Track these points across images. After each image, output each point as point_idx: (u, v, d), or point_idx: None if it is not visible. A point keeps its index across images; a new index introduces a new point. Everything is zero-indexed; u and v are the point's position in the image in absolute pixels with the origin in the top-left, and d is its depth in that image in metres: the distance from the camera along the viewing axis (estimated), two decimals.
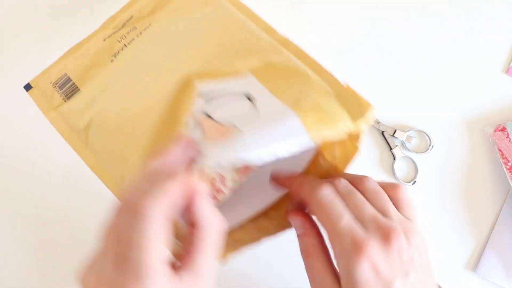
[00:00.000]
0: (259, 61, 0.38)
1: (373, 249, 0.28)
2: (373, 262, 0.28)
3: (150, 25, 0.47)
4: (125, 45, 0.46)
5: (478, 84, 0.52)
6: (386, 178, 0.50)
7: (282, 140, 0.31)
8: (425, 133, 0.51)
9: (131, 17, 0.48)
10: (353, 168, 0.51)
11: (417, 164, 0.50)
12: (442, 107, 0.52)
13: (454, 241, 0.50)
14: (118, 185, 0.39)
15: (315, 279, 0.31)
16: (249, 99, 0.34)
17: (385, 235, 0.29)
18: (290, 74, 0.37)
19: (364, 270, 0.28)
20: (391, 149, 0.50)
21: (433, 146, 0.51)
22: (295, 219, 0.34)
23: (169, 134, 0.36)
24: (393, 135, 0.50)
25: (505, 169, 0.48)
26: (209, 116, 0.34)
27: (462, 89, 0.52)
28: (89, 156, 0.42)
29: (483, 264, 0.48)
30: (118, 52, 0.46)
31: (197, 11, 0.46)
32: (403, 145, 0.51)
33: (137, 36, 0.46)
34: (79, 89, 0.45)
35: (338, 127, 0.32)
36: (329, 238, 0.30)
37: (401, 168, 0.51)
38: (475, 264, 0.49)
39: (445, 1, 0.53)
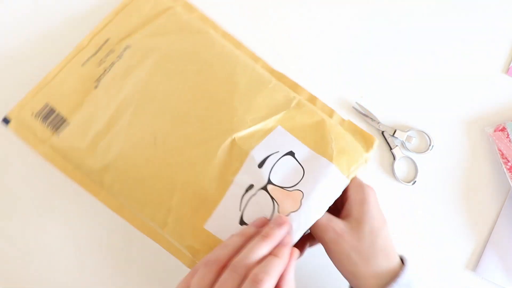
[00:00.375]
0: (283, 112, 0.42)
1: (375, 192, 0.39)
2: (376, 199, 0.39)
3: (129, 46, 0.45)
4: (105, 70, 0.44)
5: (478, 84, 0.52)
6: (386, 178, 0.50)
7: (333, 192, 0.38)
8: (425, 133, 0.51)
9: (107, 39, 0.46)
10: None
11: (417, 164, 0.50)
12: (442, 107, 0.52)
13: (454, 241, 0.50)
14: (155, 231, 0.41)
15: (325, 217, 0.38)
16: (290, 154, 0.39)
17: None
18: (306, 117, 0.42)
19: (373, 199, 0.38)
20: (391, 149, 0.50)
21: (433, 146, 0.50)
22: None
23: (218, 192, 0.38)
24: (393, 135, 0.50)
25: (505, 169, 0.48)
26: (270, 181, 0.38)
27: (462, 89, 0.52)
28: (107, 197, 0.42)
29: (483, 264, 0.48)
30: (100, 78, 0.44)
31: (186, 39, 0.45)
32: (403, 145, 0.51)
33: (117, 59, 0.45)
34: (66, 120, 0.43)
35: (360, 162, 0.41)
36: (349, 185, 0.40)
37: (401, 168, 0.51)
38: (475, 264, 0.49)
39: (445, 1, 0.53)
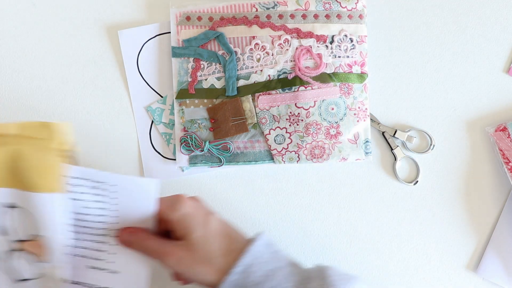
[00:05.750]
0: None
1: (187, 199, 0.38)
2: (188, 205, 0.38)
3: None
4: None
5: (479, 83, 0.52)
6: (388, 179, 0.50)
7: (58, 208, 0.37)
8: (426, 133, 0.51)
9: None
10: (356, 169, 0.51)
11: (419, 164, 0.50)
12: (443, 107, 0.51)
13: (455, 241, 0.50)
14: None
15: (160, 247, 0.38)
16: (11, 207, 0.38)
17: (192, 197, 0.40)
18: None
19: (186, 208, 0.37)
20: (392, 149, 0.50)
21: (434, 145, 0.50)
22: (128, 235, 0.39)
23: None
24: (393, 136, 0.50)
25: (506, 169, 0.48)
26: (21, 240, 0.39)
27: (463, 89, 0.52)
28: None
29: (484, 265, 0.48)
30: None
31: None
32: (404, 145, 0.51)
33: None
34: None
35: (56, 163, 0.37)
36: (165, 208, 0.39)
37: (403, 168, 0.51)
38: (476, 264, 0.49)
39: (445, 1, 0.53)
